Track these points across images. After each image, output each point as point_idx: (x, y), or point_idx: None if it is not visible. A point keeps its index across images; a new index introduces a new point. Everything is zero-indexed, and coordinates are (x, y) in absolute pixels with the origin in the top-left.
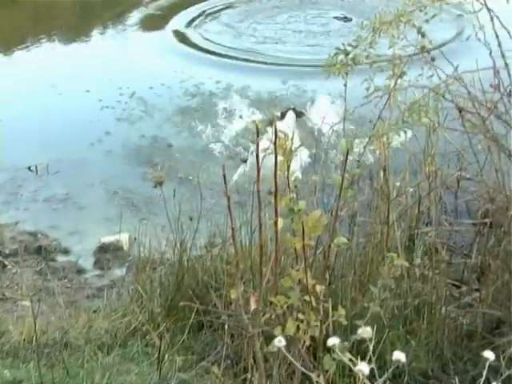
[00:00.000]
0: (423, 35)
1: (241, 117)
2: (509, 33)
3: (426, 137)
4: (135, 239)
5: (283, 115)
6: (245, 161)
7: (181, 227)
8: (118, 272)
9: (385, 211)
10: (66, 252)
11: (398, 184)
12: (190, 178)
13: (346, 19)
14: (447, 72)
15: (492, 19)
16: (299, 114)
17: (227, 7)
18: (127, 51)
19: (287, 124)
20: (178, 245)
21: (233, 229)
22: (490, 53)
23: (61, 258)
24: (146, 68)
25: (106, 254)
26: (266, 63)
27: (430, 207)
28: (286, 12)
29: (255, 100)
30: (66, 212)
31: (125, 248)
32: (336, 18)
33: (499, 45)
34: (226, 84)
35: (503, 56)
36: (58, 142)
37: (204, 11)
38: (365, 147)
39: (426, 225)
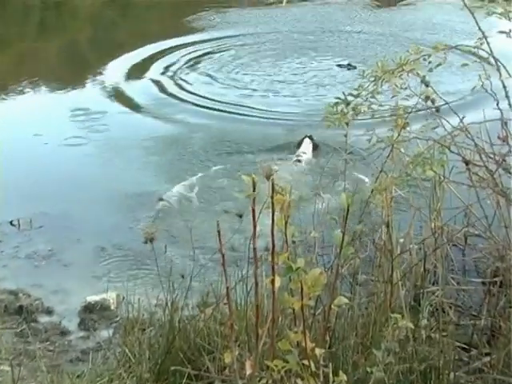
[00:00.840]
0: (427, 85)
1: (238, 171)
2: None
3: (431, 191)
4: (123, 298)
5: (300, 144)
6: (240, 215)
7: (172, 285)
8: (105, 333)
9: (388, 269)
10: (48, 312)
11: (402, 240)
12: (183, 233)
13: (350, 67)
14: (453, 123)
15: (499, 69)
16: (315, 146)
17: (216, 52)
18: (111, 101)
19: (305, 151)
20: (169, 304)
21: (227, 287)
22: (497, 103)
23: (43, 319)
24: (131, 117)
25: (92, 314)
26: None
27: (437, 265)
28: (283, 59)
29: (249, 151)
30: (49, 269)
31: (112, 308)
32: (340, 66)
33: (506, 95)
34: (217, 134)
35: (511, 107)
36: (43, 195)
37: (189, 58)
38: (367, 201)
39: (433, 284)
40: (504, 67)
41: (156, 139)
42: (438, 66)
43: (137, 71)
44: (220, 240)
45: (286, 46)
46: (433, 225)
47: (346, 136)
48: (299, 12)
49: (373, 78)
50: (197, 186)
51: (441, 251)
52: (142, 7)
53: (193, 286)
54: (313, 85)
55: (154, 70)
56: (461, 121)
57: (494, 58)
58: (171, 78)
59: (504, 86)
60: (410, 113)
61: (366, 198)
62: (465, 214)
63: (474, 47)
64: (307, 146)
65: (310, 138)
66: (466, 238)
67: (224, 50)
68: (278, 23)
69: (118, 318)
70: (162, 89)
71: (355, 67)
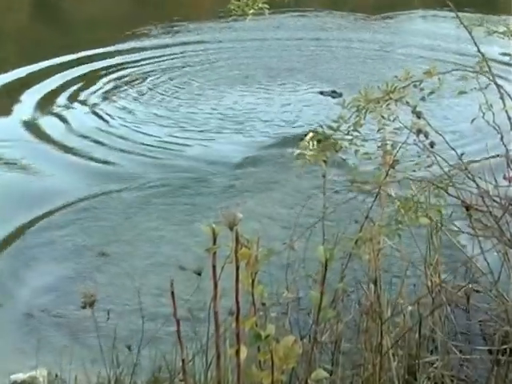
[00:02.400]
0: (419, 116)
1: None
2: None
3: (426, 241)
4: (56, 376)
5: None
6: (199, 273)
7: (116, 359)
8: None
9: (377, 335)
10: None
11: (392, 300)
12: (129, 294)
13: (335, 94)
14: (450, 161)
15: (502, 97)
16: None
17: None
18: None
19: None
20: (113, 382)
21: (183, 360)
22: (502, 138)
23: None
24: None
25: None
26: None
27: (435, 330)
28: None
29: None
30: None
31: None
32: (322, 93)
33: None
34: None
35: None
36: None
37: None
38: (350, 254)
39: (430, 353)
40: (508, 95)
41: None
42: (431, 93)
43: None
44: (174, 303)
45: (246, 68)
46: (429, 281)
47: (324, 176)
48: (268, 24)
49: (355, 108)
50: (143, 236)
51: (439, 313)
52: (79, 21)
53: (141, 359)
54: (278, 121)
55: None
56: (459, 158)
57: (495, 84)
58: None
59: (509, 118)
60: (400, 149)
61: (349, 250)
62: (466, 268)
63: (473, 71)
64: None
65: (316, 133)
66: (469, 297)
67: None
68: (240, 36)
69: None
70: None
71: (341, 94)
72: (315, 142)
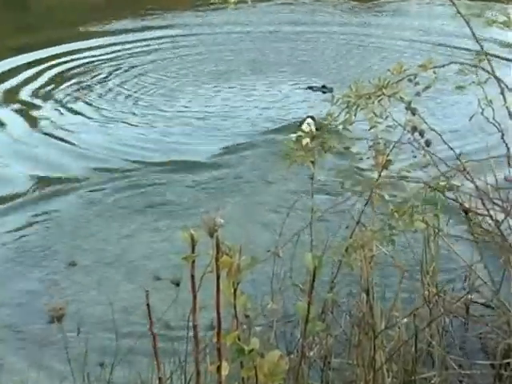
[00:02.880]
0: (414, 112)
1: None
2: None
3: (422, 247)
4: None
5: (301, 124)
6: (177, 283)
7: (87, 377)
8: None
9: (370, 350)
10: None
11: (386, 312)
12: (101, 307)
13: (325, 89)
14: (448, 160)
15: (503, 92)
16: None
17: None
18: None
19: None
20: None
21: (160, 378)
22: (502, 136)
23: None
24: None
25: None
26: None
27: (432, 343)
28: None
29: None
30: None
31: None
32: (311, 88)
33: None
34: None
35: None
36: None
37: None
38: (340, 262)
39: (428, 368)
40: (509, 89)
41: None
42: (426, 88)
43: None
44: (150, 316)
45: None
46: (426, 291)
47: (312, 178)
48: (248, 14)
49: (345, 105)
50: (113, 243)
51: (437, 325)
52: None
53: (115, 377)
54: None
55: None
56: (457, 158)
57: (496, 78)
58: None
59: (510, 114)
60: (393, 148)
61: (340, 258)
62: (465, 276)
63: (472, 65)
64: (310, 126)
65: (312, 118)
66: (468, 308)
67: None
68: (217, 27)
69: None
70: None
71: (331, 89)
72: (313, 128)
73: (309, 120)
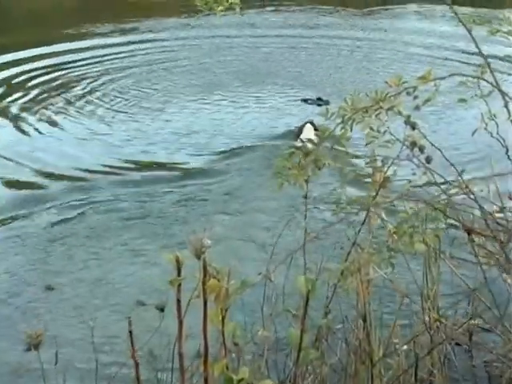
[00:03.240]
0: (414, 127)
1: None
2: None
3: (423, 270)
4: None
5: (300, 131)
6: (161, 309)
7: None
8: None
9: (367, 379)
10: None
11: (385, 339)
12: (81, 333)
13: (320, 102)
14: (449, 178)
15: (507, 105)
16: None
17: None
18: None
19: (308, 137)
20: None
21: None
22: (507, 151)
23: None
24: None
25: None
26: None
27: (433, 372)
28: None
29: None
30: None
31: None
32: (306, 101)
33: None
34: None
35: None
36: None
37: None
38: (335, 286)
39: None
40: None
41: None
42: (427, 101)
43: None
44: (132, 343)
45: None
46: (427, 317)
47: (305, 198)
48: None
49: (340, 119)
50: (93, 266)
51: (438, 352)
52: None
53: None
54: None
55: None
56: (459, 175)
57: (500, 91)
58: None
59: None
60: (391, 165)
61: (335, 281)
62: (468, 300)
63: (474, 77)
64: (309, 131)
65: (312, 123)
66: (472, 334)
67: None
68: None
69: None
70: None
71: (328, 102)
72: (312, 135)
73: (308, 125)
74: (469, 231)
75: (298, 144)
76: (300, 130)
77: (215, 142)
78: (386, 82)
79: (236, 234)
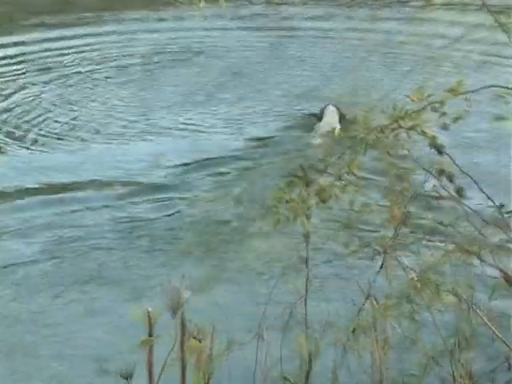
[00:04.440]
0: (440, 151)
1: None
2: None
3: (453, 327)
4: None
5: (322, 114)
6: (128, 377)
7: None
8: None
9: None
10: None
11: None
12: None
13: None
14: (485, 214)
15: None
16: (342, 116)
17: None
18: None
19: (330, 122)
20: None
21: None
22: None
23: None
24: None
25: None
26: None
27: None
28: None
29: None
30: None
31: None
32: (309, 116)
33: None
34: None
35: None
36: None
37: None
38: (344, 347)
39: None
40: None
41: None
42: (457, 120)
43: None
44: None
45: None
46: (458, 374)
47: (307, 237)
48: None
49: (349, 142)
50: (42, 322)
51: None
52: None
53: None
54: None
55: None
56: (498, 210)
57: None
58: None
59: None
60: (414, 197)
61: (344, 342)
62: (509, 364)
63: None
64: (332, 115)
65: (335, 106)
66: None
67: None
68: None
69: None
70: None
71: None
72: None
73: (331, 108)
74: (508, 279)
75: (320, 130)
76: (322, 112)
77: (195, 158)
78: (408, 96)
79: (221, 281)
